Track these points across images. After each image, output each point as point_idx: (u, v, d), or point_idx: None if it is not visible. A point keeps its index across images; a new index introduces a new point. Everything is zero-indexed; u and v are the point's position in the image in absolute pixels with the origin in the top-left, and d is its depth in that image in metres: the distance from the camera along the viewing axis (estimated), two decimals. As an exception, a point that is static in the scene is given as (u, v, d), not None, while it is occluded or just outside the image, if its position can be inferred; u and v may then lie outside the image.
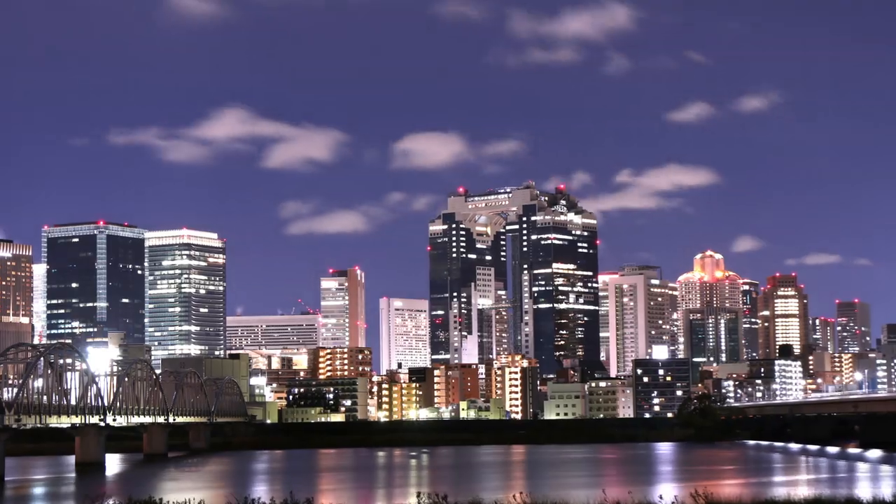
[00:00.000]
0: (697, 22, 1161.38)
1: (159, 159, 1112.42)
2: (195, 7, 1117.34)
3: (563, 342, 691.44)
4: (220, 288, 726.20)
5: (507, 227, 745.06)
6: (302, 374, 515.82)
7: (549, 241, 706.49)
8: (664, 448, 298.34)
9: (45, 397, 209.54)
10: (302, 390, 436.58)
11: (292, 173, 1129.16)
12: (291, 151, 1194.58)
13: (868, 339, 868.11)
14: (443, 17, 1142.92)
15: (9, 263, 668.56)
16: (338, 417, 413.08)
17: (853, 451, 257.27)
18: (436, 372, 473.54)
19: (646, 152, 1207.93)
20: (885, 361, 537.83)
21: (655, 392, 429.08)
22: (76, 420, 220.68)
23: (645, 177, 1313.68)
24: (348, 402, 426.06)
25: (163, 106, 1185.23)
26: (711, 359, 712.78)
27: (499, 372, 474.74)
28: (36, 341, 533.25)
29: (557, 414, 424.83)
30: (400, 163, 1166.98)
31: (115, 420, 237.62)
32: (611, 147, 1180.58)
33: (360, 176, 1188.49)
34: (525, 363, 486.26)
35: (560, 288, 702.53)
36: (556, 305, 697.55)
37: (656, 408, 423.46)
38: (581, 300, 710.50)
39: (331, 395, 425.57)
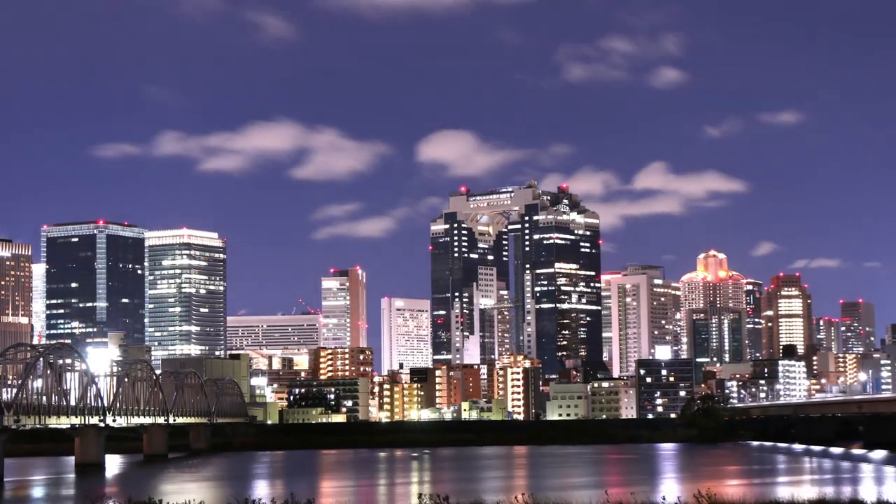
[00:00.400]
0: (736, 41, 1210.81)
1: (195, 167, 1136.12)
2: (255, 21, 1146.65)
3: (565, 342, 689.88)
4: (221, 288, 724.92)
5: (509, 227, 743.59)
6: (303, 374, 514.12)
7: (552, 241, 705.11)
8: (667, 449, 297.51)
9: (44, 398, 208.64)
10: (303, 391, 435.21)
11: (328, 181, 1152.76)
12: (329, 160, 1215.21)
13: (872, 339, 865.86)
14: (488, 39, 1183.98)
15: (8, 263, 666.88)
16: (339, 418, 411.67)
17: (857, 451, 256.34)
18: (437, 372, 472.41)
19: (678, 161, 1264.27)
20: (889, 362, 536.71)
21: (658, 392, 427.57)
22: (76, 421, 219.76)
23: (674, 184, 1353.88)
24: (349, 403, 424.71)
25: (203, 115, 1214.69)
26: (715, 359, 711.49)
27: (501, 372, 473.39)
28: (35, 341, 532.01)
29: (560, 414, 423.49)
30: (438, 171, 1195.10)
31: (114, 421, 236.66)
32: (644, 155, 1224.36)
33: (396, 183, 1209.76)
34: (527, 363, 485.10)
35: (562, 288, 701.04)
36: (558, 305, 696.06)
37: (659, 408, 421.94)
38: (583, 300, 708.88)
39: (332, 396, 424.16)
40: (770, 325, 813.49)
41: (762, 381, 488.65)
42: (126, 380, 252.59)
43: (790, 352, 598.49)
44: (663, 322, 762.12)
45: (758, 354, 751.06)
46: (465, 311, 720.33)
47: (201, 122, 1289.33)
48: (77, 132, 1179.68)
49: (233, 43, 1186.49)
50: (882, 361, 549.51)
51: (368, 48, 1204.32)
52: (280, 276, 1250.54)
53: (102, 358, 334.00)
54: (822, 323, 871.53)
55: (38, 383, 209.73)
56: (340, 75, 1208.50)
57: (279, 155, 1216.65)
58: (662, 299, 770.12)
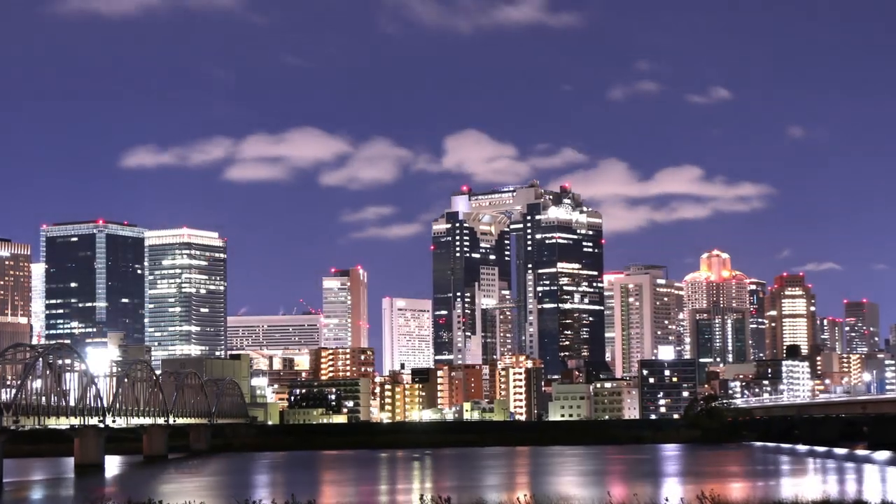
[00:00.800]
0: (770, 62, 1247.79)
1: (223, 173, 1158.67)
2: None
3: (567, 342, 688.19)
4: (221, 288, 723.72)
5: (511, 226, 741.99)
6: (304, 374, 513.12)
7: (554, 241, 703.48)
8: (670, 449, 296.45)
9: (43, 398, 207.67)
10: (304, 391, 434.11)
11: (359, 188, 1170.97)
12: (364, 167, 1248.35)
13: (877, 339, 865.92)
14: (534, 59, 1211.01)
15: (7, 263, 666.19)
16: (340, 419, 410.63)
17: (861, 452, 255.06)
18: (439, 373, 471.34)
19: (707, 170, 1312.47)
20: (893, 362, 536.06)
21: (661, 393, 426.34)
22: (75, 421, 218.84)
23: (699, 191, 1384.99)
24: (350, 403, 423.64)
25: (235, 124, 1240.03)
26: (718, 359, 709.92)
27: (503, 372, 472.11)
28: (35, 341, 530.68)
29: (562, 415, 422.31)
30: (467, 178, 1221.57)
31: (114, 421, 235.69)
32: (671, 162, 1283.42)
33: (426, 190, 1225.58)
34: (529, 364, 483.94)
35: (565, 288, 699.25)
36: (560, 305, 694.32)
37: (662, 409, 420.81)
38: (586, 300, 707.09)
39: (333, 396, 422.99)
40: (774, 325, 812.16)
41: (766, 382, 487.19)
42: (126, 380, 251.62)
43: (794, 352, 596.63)
44: (666, 322, 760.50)
45: (761, 355, 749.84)
46: (466, 311, 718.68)
47: (240, 130, 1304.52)
48: (107, 136, 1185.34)
49: (283, 56, 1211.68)
50: (886, 362, 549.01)
51: (417, 65, 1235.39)
52: (284, 276, 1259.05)
53: (102, 358, 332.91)
54: (826, 323, 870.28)
55: (38, 384, 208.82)
56: (391, 89, 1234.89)
57: (312, 163, 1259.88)
58: (665, 299, 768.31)
